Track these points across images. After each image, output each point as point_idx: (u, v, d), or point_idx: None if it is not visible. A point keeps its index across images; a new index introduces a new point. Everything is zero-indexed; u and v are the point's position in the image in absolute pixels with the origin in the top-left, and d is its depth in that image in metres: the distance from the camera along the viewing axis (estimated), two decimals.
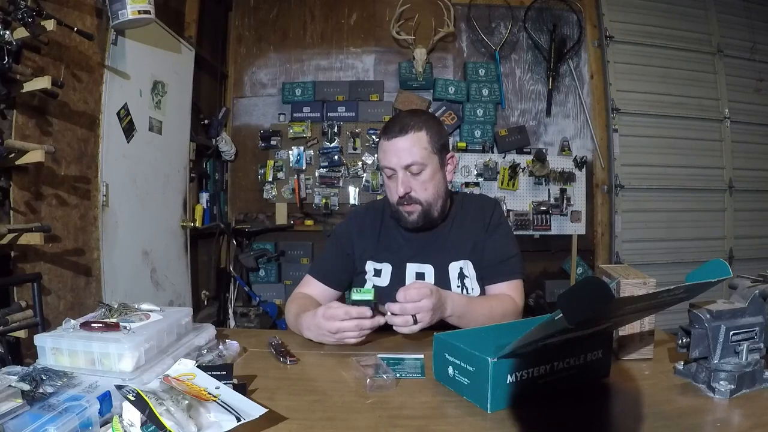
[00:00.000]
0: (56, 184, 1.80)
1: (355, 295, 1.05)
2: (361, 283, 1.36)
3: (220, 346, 0.97)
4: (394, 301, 1.16)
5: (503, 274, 1.32)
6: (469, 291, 1.31)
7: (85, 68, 1.94)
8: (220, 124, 3.35)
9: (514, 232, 1.46)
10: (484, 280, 1.33)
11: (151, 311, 0.96)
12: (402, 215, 1.31)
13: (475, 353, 0.77)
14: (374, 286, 1.10)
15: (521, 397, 0.76)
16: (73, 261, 1.88)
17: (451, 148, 1.51)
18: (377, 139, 1.38)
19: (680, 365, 0.87)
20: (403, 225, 1.33)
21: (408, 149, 1.26)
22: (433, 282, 1.30)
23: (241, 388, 0.77)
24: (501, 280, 1.32)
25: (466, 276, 1.32)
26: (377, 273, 1.35)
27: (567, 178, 3.43)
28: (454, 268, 1.32)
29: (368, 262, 1.37)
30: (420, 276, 1.33)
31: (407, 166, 1.26)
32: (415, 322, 1.07)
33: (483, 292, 1.33)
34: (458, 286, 1.31)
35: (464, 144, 3.42)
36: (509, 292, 1.31)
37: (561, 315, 0.58)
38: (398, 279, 1.33)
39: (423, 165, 1.27)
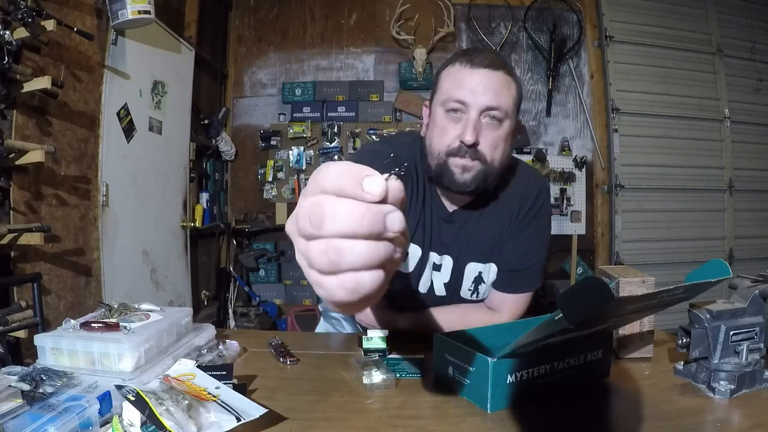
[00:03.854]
0: (56, 184, 1.80)
1: (366, 344, 0.96)
2: None
3: (220, 346, 0.97)
4: (416, 288, 1.13)
5: (513, 285, 1.16)
6: (480, 295, 1.19)
7: (85, 68, 1.94)
8: (220, 124, 3.35)
9: None
10: (493, 283, 1.18)
11: (151, 311, 0.96)
12: (450, 171, 1.02)
13: (475, 353, 0.77)
14: (387, 336, 0.94)
15: (521, 397, 0.76)
16: (73, 261, 1.88)
17: None
18: (444, 66, 1.08)
19: (680, 365, 0.87)
20: (448, 184, 1.04)
21: (496, 89, 0.99)
22: (448, 276, 1.16)
23: (241, 388, 0.77)
24: (508, 291, 1.16)
25: (482, 281, 1.17)
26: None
27: (567, 178, 3.43)
28: (471, 269, 1.17)
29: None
30: (437, 267, 1.17)
31: (488, 109, 0.99)
32: None
33: None
34: (469, 289, 1.18)
35: None
36: (510, 305, 1.17)
37: (561, 315, 0.58)
38: (421, 266, 1.15)
39: (505, 116, 1.01)
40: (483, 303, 1.21)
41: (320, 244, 0.32)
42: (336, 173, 0.33)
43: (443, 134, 1.02)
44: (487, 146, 1.01)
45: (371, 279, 0.32)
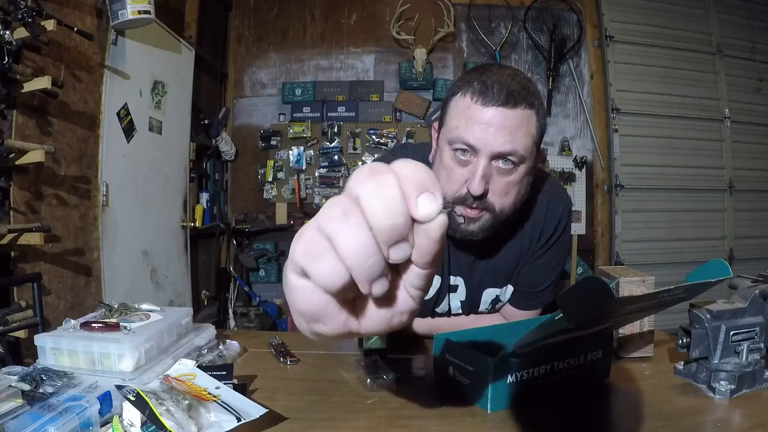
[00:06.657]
0: (56, 184, 1.80)
1: (366, 344, 0.93)
2: None
3: (221, 346, 0.97)
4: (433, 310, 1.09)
5: (528, 301, 1.14)
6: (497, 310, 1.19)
7: (85, 68, 1.94)
8: (220, 124, 3.35)
9: None
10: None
11: (151, 311, 0.96)
12: (455, 220, 0.94)
13: (475, 353, 0.77)
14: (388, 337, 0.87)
15: (521, 397, 0.76)
16: (73, 261, 1.88)
17: None
18: (454, 91, 0.94)
19: (680, 365, 0.87)
20: (452, 233, 0.96)
21: (511, 130, 0.86)
22: (464, 296, 1.14)
23: (241, 388, 0.77)
24: (523, 308, 1.15)
25: (499, 301, 1.15)
26: None
27: (567, 178, 3.43)
28: (489, 294, 1.14)
29: None
30: (453, 289, 1.12)
31: (500, 155, 0.88)
32: None
33: None
34: (487, 309, 1.16)
35: None
36: (523, 318, 1.15)
37: (561, 315, 0.58)
38: (440, 293, 1.12)
39: (521, 160, 0.89)
40: (497, 313, 1.20)
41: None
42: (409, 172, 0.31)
43: (450, 177, 0.92)
44: (497, 194, 0.91)
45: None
